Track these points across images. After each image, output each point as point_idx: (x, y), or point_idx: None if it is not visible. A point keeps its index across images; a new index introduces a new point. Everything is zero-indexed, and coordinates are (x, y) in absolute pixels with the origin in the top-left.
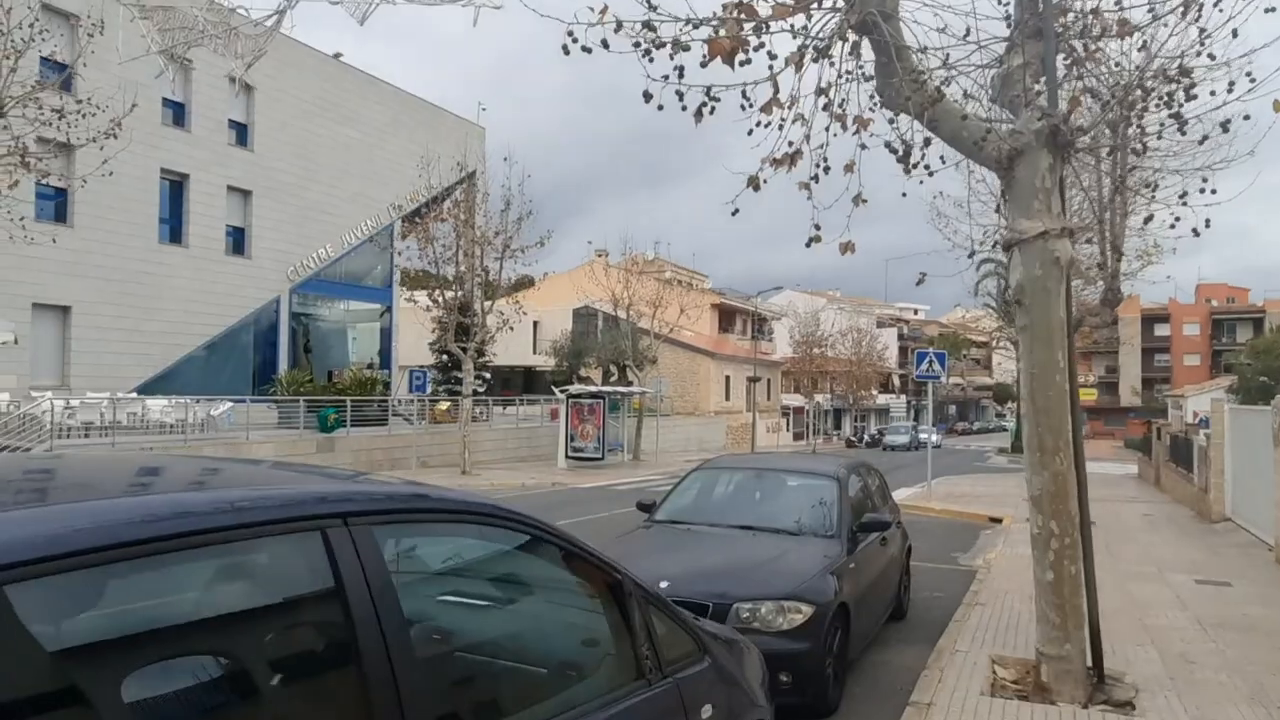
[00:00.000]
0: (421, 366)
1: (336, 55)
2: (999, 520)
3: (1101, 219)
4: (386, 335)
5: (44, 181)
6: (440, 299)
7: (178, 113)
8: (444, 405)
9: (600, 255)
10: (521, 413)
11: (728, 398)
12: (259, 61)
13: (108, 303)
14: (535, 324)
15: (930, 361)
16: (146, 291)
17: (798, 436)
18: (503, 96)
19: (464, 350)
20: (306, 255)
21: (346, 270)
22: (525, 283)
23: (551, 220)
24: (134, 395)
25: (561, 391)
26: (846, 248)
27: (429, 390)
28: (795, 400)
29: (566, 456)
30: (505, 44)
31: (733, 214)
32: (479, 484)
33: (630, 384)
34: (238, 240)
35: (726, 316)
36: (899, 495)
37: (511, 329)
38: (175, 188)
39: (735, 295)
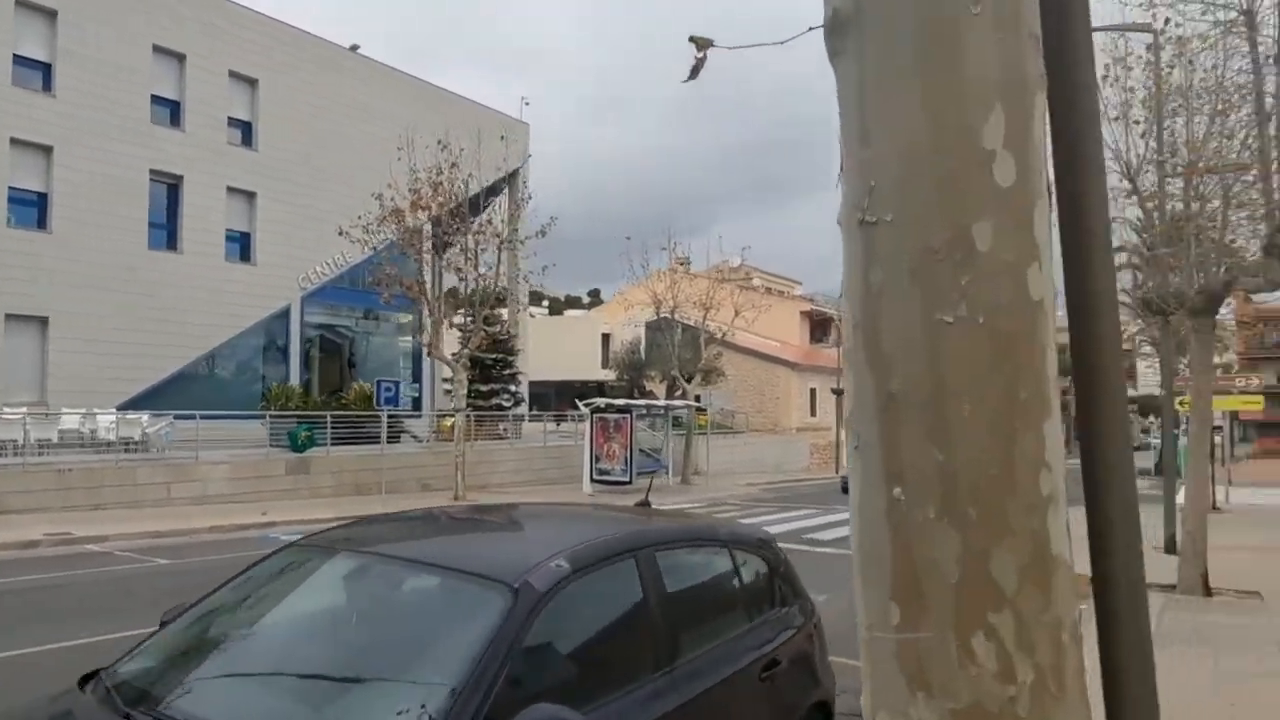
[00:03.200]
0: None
1: (353, 48)
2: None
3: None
4: (417, 347)
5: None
6: (425, 301)
7: (172, 110)
8: (448, 422)
9: (681, 263)
10: (554, 429)
11: (814, 413)
12: (262, 54)
13: (90, 313)
14: (606, 336)
15: None
16: (134, 301)
17: None
18: (613, 115)
19: (456, 359)
20: (321, 261)
21: (373, 278)
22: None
23: (662, 239)
24: (112, 411)
25: (586, 405)
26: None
27: (400, 404)
28: None
29: (591, 480)
30: (608, 62)
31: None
32: None
33: (692, 398)
34: (243, 246)
35: (820, 325)
36: None
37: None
38: (170, 190)
39: (829, 300)
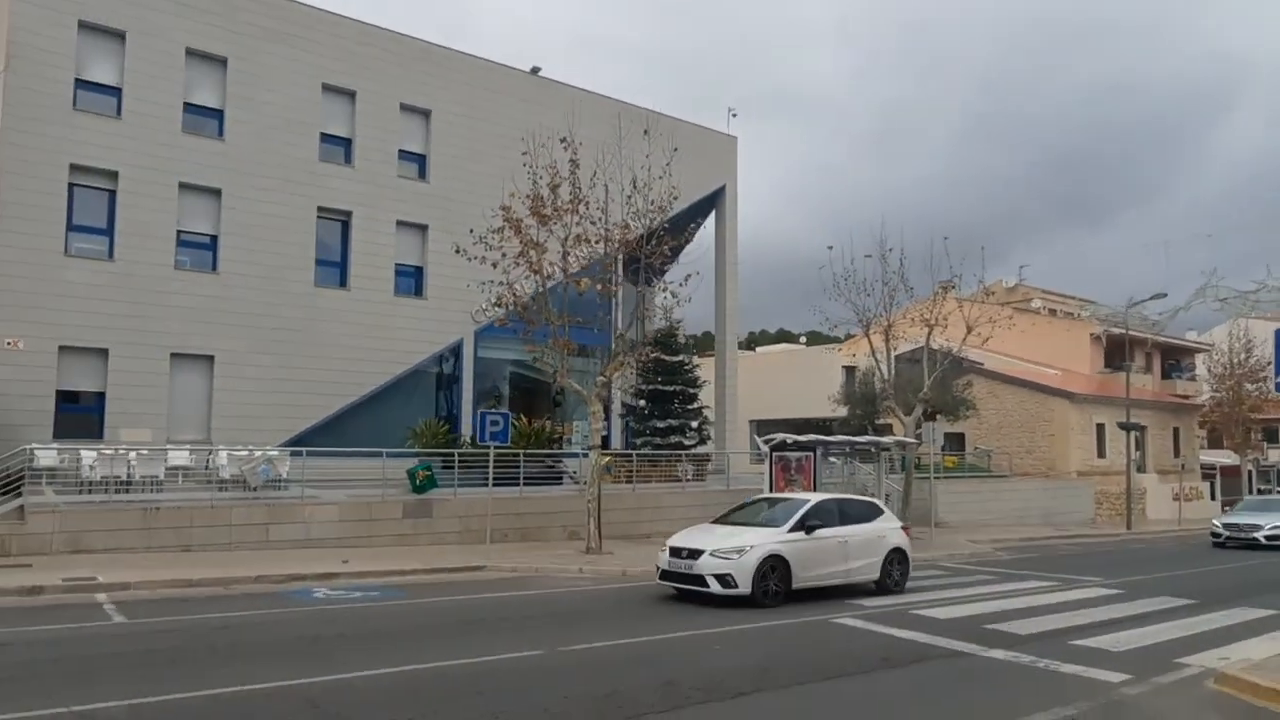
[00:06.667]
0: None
1: (534, 70)
2: None
3: None
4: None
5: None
6: (548, 320)
7: (344, 148)
8: (604, 461)
9: (945, 288)
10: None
11: (1101, 454)
12: (434, 84)
13: (256, 350)
14: (850, 370)
15: None
16: (301, 338)
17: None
18: (888, 148)
19: (593, 390)
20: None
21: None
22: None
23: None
24: (273, 449)
25: (766, 441)
26: None
27: (509, 440)
28: (1228, 459)
29: None
30: (884, 98)
31: None
32: (582, 565)
33: (911, 434)
34: (414, 280)
35: (1117, 350)
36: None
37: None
38: (341, 227)
39: (1121, 319)
